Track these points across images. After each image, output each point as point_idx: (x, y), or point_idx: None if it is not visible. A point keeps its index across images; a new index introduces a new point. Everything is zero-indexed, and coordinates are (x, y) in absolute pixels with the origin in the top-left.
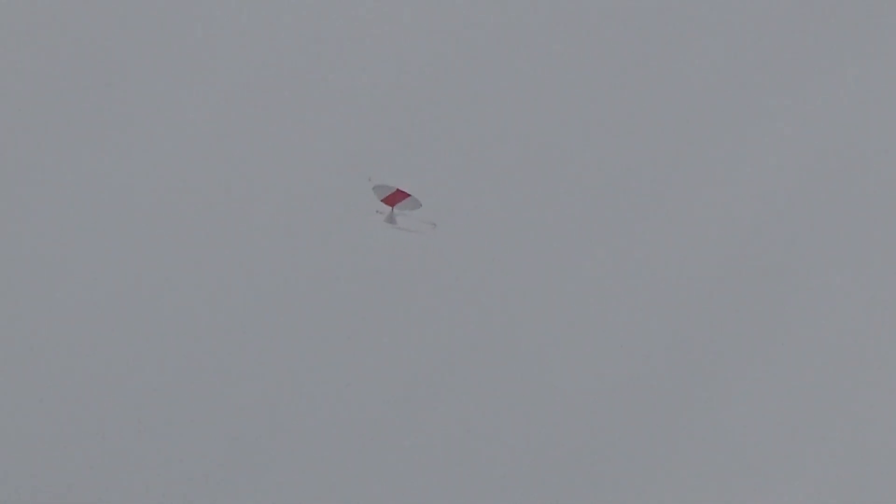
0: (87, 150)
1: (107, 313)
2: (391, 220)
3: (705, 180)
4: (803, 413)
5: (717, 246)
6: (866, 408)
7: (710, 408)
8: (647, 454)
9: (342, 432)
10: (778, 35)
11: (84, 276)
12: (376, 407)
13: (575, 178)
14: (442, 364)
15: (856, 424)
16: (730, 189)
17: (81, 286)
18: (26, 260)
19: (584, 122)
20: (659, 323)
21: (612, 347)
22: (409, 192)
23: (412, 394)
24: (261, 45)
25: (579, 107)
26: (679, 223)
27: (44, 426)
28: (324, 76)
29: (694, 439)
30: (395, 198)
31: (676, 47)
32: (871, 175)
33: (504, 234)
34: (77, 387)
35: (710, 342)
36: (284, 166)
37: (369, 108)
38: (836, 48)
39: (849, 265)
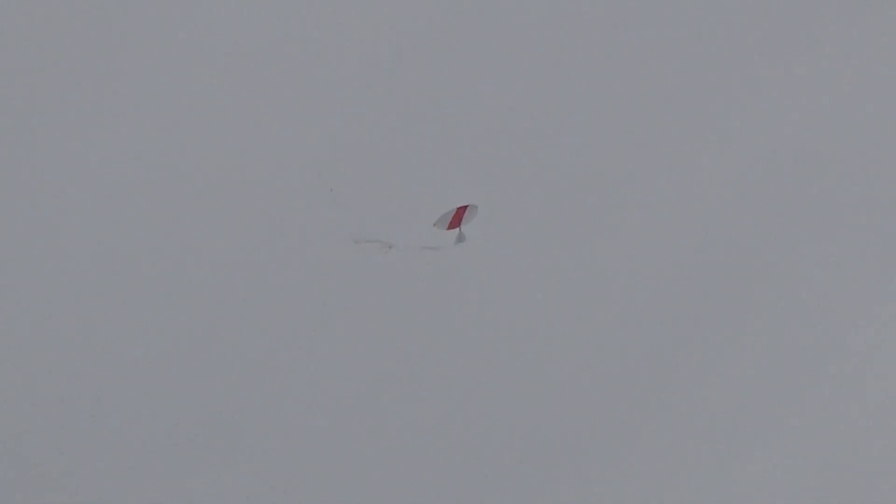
0: (60, 138)
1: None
2: (461, 238)
3: (683, 161)
4: (782, 388)
5: (697, 225)
6: (844, 382)
7: (690, 385)
8: (628, 432)
9: (326, 415)
10: (751, 17)
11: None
12: (358, 390)
13: (556, 164)
14: (425, 347)
15: (833, 399)
16: (710, 172)
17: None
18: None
19: (561, 114)
20: (640, 304)
21: (592, 329)
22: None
23: (393, 379)
24: (243, 28)
25: (559, 98)
26: (657, 206)
27: (23, 402)
28: (309, 60)
29: (676, 415)
30: (459, 217)
31: (647, 38)
32: (849, 159)
33: (485, 216)
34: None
35: (690, 321)
36: (265, 152)
37: (354, 100)
38: (814, 31)
39: (830, 245)
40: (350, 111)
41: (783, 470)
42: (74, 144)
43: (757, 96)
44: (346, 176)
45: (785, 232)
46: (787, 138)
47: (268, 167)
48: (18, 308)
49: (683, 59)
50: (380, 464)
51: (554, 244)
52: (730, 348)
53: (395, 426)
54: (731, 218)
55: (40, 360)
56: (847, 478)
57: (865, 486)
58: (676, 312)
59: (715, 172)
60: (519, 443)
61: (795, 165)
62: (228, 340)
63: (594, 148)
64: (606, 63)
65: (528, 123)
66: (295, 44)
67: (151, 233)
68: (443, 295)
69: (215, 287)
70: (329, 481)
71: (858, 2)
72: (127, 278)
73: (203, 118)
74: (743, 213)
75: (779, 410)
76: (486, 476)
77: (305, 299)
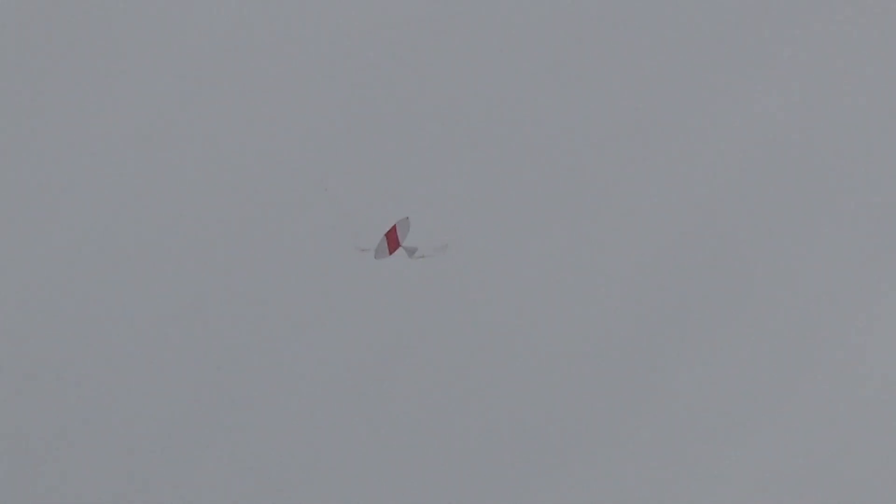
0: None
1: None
2: (411, 253)
3: (670, 146)
4: (775, 380)
5: (689, 223)
6: (837, 373)
7: (673, 372)
8: (622, 425)
9: (318, 406)
10: (743, 16)
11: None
12: (353, 384)
13: (551, 163)
14: (419, 340)
15: (826, 390)
16: (696, 157)
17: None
18: None
19: (556, 114)
20: (634, 299)
21: (574, 314)
22: (394, 221)
23: (379, 362)
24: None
25: (551, 99)
26: (644, 193)
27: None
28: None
29: (671, 408)
30: (392, 238)
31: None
32: (843, 156)
33: (463, 198)
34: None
35: (673, 309)
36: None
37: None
38: (806, 31)
39: (823, 240)
40: (343, 116)
41: (775, 457)
42: (73, 143)
43: (751, 94)
44: (338, 177)
45: (778, 229)
46: (783, 135)
47: (262, 170)
48: (16, 307)
49: (677, 58)
50: (375, 454)
51: (549, 241)
52: (722, 342)
53: (389, 414)
54: (722, 216)
55: (39, 362)
56: (837, 463)
57: (854, 471)
58: (668, 308)
59: (709, 170)
60: (512, 434)
61: (788, 162)
62: (225, 336)
63: (590, 145)
64: (598, 62)
65: (520, 125)
66: (291, 47)
67: (148, 237)
68: (436, 292)
69: (211, 285)
70: (321, 468)
71: (853, 2)
72: (124, 278)
73: (198, 121)
74: (735, 211)
75: (771, 401)
76: (479, 466)
77: (300, 298)
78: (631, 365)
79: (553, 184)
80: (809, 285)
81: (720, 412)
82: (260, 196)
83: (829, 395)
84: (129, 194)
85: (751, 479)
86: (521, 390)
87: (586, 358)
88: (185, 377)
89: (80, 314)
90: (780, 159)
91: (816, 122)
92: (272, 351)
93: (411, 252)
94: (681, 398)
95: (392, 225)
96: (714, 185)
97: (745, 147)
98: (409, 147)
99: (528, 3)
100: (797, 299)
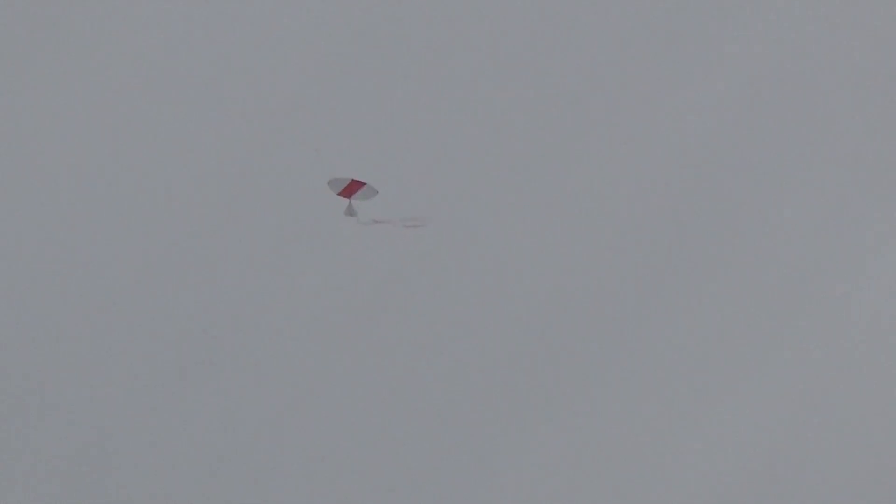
0: None
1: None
2: (351, 212)
3: (654, 101)
4: (755, 324)
5: (669, 165)
6: (812, 331)
7: (664, 318)
8: (603, 361)
9: (305, 331)
10: None
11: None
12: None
13: (524, 103)
14: (406, 262)
15: (801, 349)
16: (681, 113)
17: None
18: None
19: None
20: (605, 245)
21: (556, 266)
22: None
23: (369, 304)
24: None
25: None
26: (634, 138)
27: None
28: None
29: (639, 357)
30: (351, 188)
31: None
32: (825, 104)
33: (447, 163)
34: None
35: (656, 264)
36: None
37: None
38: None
39: (804, 188)
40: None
41: (765, 400)
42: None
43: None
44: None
45: (766, 180)
46: (776, 75)
47: (248, 132)
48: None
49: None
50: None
51: (541, 191)
52: (713, 285)
53: (391, 346)
54: (711, 163)
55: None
56: (823, 408)
57: (841, 417)
58: (658, 256)
59: (697, 121)
60: (505, 378)
61: (776, 115)
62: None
63: (585, 77)
64: (588, 15)
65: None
66: (271, 17)
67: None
68: (425, 240)
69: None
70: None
71: None
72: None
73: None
74: (725, 159)
75: (760, 348)
76: (477, 404)
77: (290, 260)
78: (621, 310)
79: (544, 134)
80: (797, 236)
81: (710, 357)
82: (246, 164)
83: (816, 340)
84: (109, 157)
85: (740, 424)
86: (512, 332)
87: (579, 301)
88: (167, 338)
89: (60, 282)
90: (767, 113)
91: (806, 66)
92: (257, 309)
93: (352, 211)
94: (671, 344)
95: (362, 182)
96: (703, 133)
97: (736, 94)
98: (397, 99)
99: None
100: (785, 248)
